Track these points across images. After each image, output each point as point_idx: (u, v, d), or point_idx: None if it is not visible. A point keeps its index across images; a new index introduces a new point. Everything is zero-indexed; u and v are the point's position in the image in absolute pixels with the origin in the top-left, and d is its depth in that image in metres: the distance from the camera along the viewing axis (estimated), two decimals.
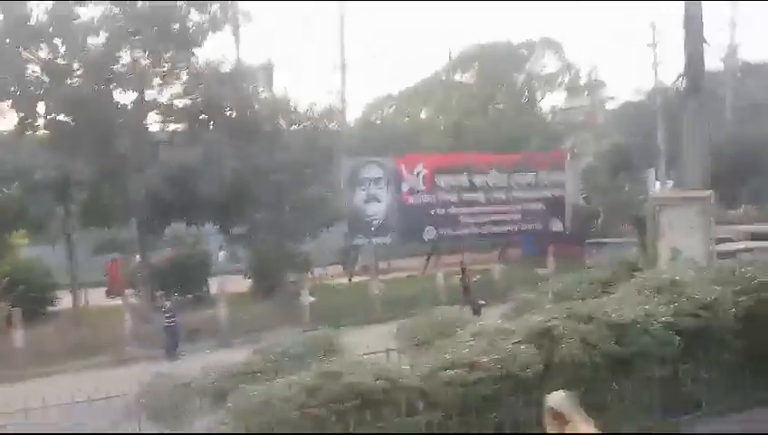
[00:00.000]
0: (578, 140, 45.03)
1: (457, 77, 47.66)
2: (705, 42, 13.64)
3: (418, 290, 23.79)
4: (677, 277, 7.79)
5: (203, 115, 20.21)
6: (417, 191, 24.83)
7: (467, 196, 25.52)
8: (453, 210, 25.34)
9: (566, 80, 50.44)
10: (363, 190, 23.97)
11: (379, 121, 46.92)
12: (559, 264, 24.37)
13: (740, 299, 7.49)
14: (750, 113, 45.48)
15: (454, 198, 25.28)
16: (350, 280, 28.04)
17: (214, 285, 25.94)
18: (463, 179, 25.52)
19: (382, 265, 32.47)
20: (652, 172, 35.13)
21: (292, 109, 22.10)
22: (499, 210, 25.96)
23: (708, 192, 10.32)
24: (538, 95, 48.94)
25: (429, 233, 25.23)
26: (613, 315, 7.01)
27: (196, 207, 20.02)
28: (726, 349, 7.60)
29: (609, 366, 6.84)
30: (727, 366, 7.67)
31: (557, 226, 26.65)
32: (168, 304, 18.61)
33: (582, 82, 57.64)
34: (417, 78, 49.39)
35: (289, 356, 7.74)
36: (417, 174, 24.83)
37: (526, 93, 47.16)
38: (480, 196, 25.73)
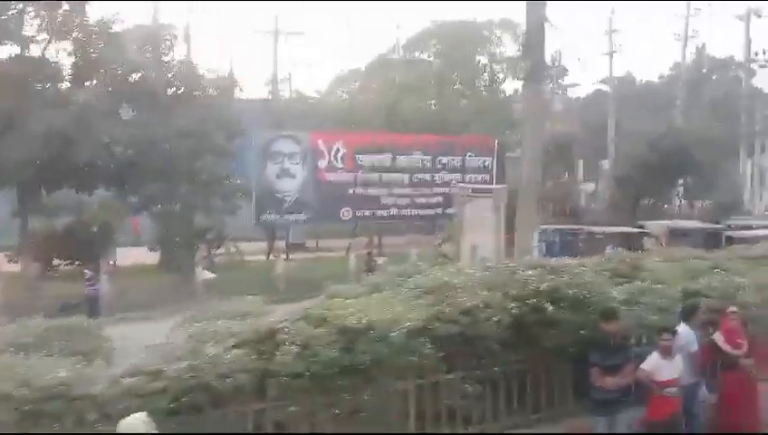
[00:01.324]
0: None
1: (418, 55, 46.42)
2: (547, 20, 12.80)
3: (329, 271, 23.02)
4: (447, 278, 6.99)
5: (92, 75, 18.98)
6: (336, 169, 23.87)
7: (389, 176, 24.63)
8: (373, 190, 24.46)
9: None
10: (276, 165, 22.95)
11: (345, 96, 45.39)
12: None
13: (511, 306, 6.69)
14: (706, 109, 44.83)
15: (374, 177, 24.38)
16: (267, 257, 27.19)
17: (119, 256, 25.07)
18: (385, 159, 24.61)
19: (310, 243, 31.69)
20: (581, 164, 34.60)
21: (196, 76, 20.96)
22: (422, 193, 25.13)
23: (501, 187, 9.55)
24: (501, 78, 48.02)
25: (347, 213, 24.35)
26: (349, 318, 6.19)
27: (83, 173, 18.93)
28: (498, 360, 6.84)
29: (337, 376, 6.02)
30: (503, 379, 6.91)
31: None
32: (88, 272, 18.41)
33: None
34: (379, 53, 48.27)
35: (15, 346, 6.83)
36: (336, 151, 23.85)
37: (485, 76, 46.17)
38: (403, 177, 24.85)
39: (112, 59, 18.98)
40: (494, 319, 6.55)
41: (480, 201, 8.78)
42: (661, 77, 63.28)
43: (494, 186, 9.73)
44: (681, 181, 31.87)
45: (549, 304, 6.68)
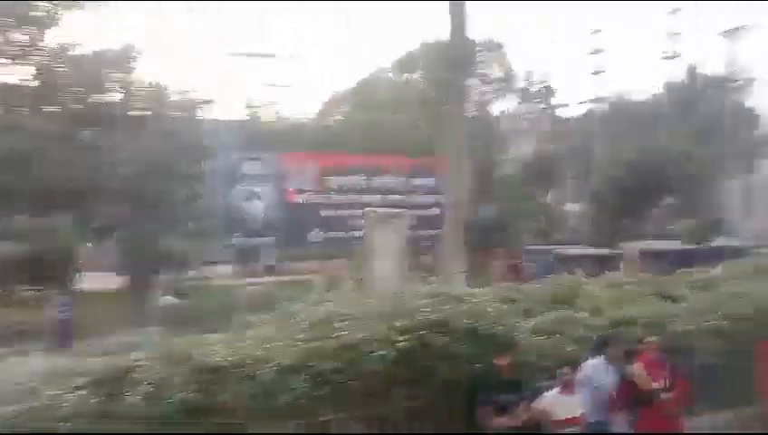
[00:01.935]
0: (516, 147, 43.96)
1: (405, 76, 46.30)
2: (466, 27, 12.52)
3: (292, 295, 22.51)
4: (334, 309, 6.52)
5: (51, 99, 18.73)
6: (306, 191, 23.50)
7: (358, 198, 24.23)
8: (341, 212, 24.04)
9: (514, 85, 49.42)
10: (244, 187, 22.59)
11: (333, 117, 45.08)
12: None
13: (398, 338, 6.20)
14: (697, 129, 44.31)
15: (343, 199, 23.99)
16: (236, 281, 26.71)
17: (85, 280, 24.60)
18: (357, 181, 24.25)
19: (285, 265, 31.25)
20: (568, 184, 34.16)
21: (162, 97, 20.70)
22: None
23: (401, 210, 9.14)
24: (490, 99, 48.00)
25: (316, 235, 23.91)
26: (213, 356, 5.71)
27: (38, 198, 18.58)
28: (387, 398, 6.33)
29: (195, 420, 5.52)
30: (394, 418, 6.39)
31: None
32: (62, 297, 18.20)
33: (535, 88, 56.61)
34: (365, 76, 48.13)
35: None
36: (304, 173, 23.49)
37: (474, 97, 46.00)
38: (373, 198, 24.42)
39: (72, 82, 18.73)
40: (379, 353, 6.05)
41: (389, 224, 8.38)
42: (655, 96, 63.03)
43: (397, 210, 9.20)
44: (665, 202, 31.36)
45: (440, 335, 6.19)
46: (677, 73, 48.25)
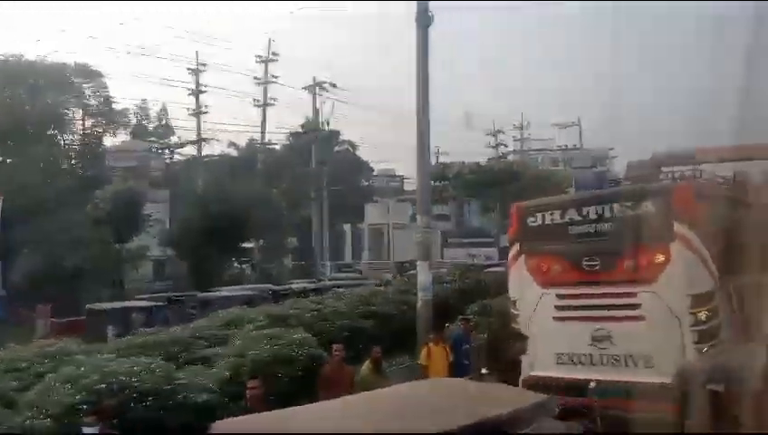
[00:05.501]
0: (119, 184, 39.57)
1: None
2: None
3: None
4: None
5: None
6: None
7: None
8: None
9: (123, 118, 45.32)
10: None
11: None
12: None
13: None
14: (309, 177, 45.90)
15: None
16: None
17: None
18: None
19: None
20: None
21: None
22: None
23: None
24: (98, 131, 42.96)
25: None
26: None
27: None
28: None
29: None
30: None
31: None
32: None
33: (151, 125, 53.19)
34: None
35: None
36: None
37: (72, 126, 40.52)
38: None
39: None
40: None
41: None
42: (285, 145, 65.41)
43: None
44: (248, 245, 31.16)
45: None
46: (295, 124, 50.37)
